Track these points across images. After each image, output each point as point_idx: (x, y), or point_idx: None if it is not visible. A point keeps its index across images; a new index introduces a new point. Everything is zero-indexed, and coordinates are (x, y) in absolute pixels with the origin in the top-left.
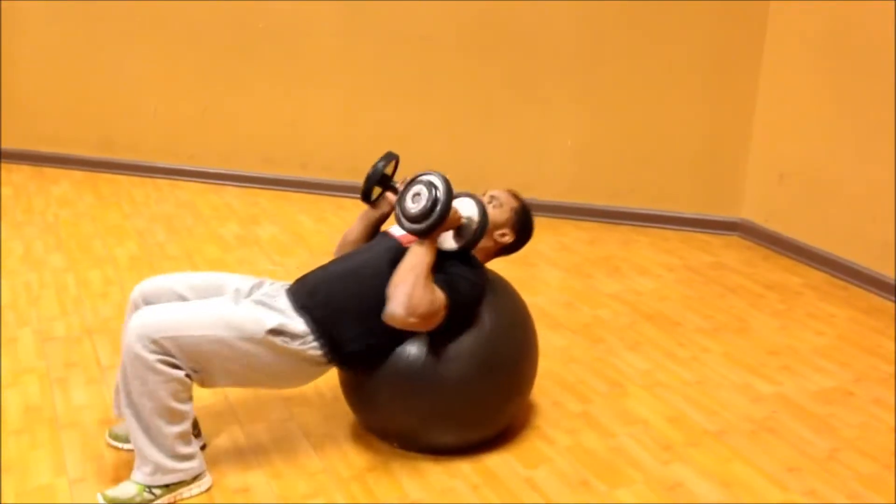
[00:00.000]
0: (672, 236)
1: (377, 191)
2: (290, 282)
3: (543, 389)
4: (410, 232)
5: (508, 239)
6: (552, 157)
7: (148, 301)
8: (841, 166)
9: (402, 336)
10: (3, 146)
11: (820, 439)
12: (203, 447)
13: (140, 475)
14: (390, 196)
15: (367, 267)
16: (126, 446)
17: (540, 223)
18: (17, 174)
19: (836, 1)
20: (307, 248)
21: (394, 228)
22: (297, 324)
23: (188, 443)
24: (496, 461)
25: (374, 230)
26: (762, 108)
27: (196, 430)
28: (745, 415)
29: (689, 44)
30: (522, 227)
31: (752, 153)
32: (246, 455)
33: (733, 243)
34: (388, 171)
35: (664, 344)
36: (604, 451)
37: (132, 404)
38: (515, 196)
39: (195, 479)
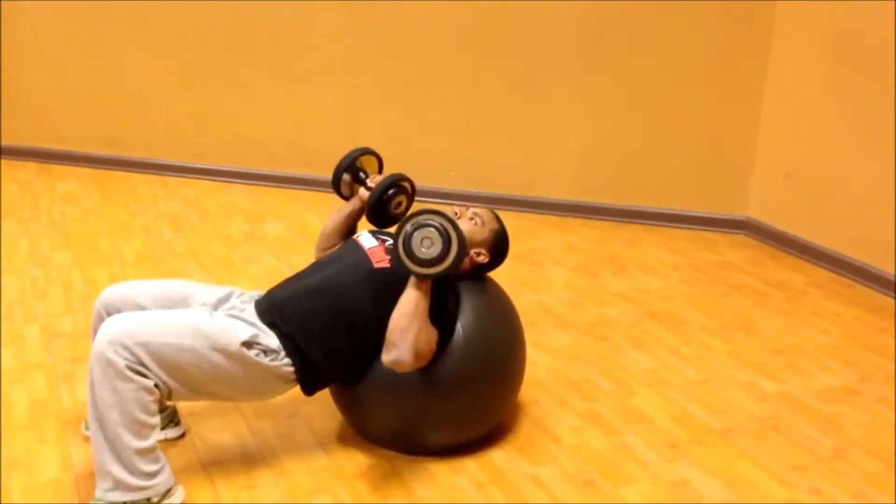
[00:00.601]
0: (678, 235)
1: (357, 188)
2: (259, 292)
3: (549, 387)
4: (418, 276)
5: (483, 259)
6: (557, 156)
7: (109, 310)
8: (847, 165)
9: (370, 355)
10: (10, 143)
11: (825, 438)
12: (182, 435)
13: (100, 491)
14: (362, 192)
15: (335, 285)
16: None
17: (546, 222)
18: (24, 171)
19: (843, 1)
20: (313, 246)
21: (363, 238)
22: (271, 339)
23: (154, 460)
24: (501, 459)
25: (349, 225)
26: (768, 106)
27: (176, 419)
28: (750, 413)
29: (696, 42)
30: (498, 249)
31: (758, 152)
32: (251, 452)
33: (739, 242)
34: (367, 165)
35: (670, 342)
36: (609, 449)
37: (99, 416)
38: (496, 218)
39: (164, 496)
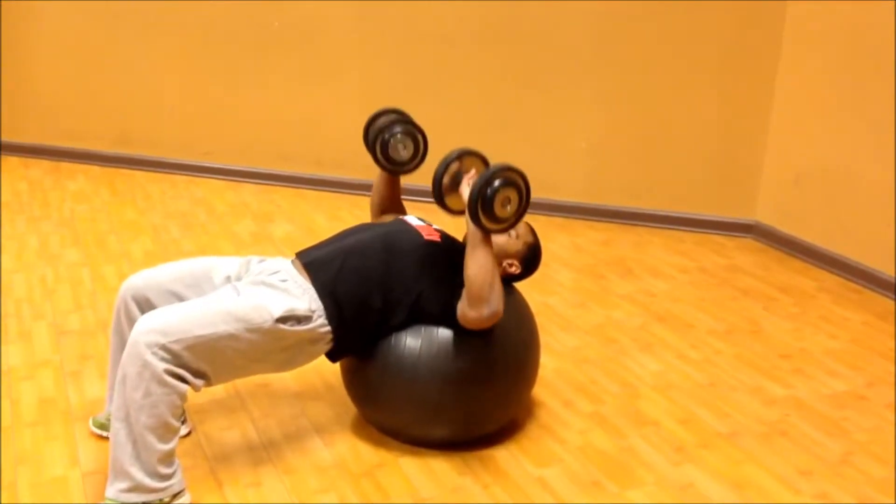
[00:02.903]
0: (686, 238)
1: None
2: (283, 257)
3: (555, 389)
4: (494, 232)
5: (515, 270)
6: (567, 157)
7: (137, 298)
8: (857, 169)
9: (388, 329)
10: (20, 141)
11: (832, 443)
12: (189, 433)
13: (113, 491)
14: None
15: (383, 245)
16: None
17: (554, 223)
18: (34, 169)
19: (854, 1)
20: None
21: (410, 218)
22: (302, 302)
23: (171, 463)
24: (507, 459)
25: (389, 186)
26: (778, 109)
27: (182, 417)
28: (757, 417)
29: (706, 44)
30: (530, 262)
31: (767, 155)
32: (257, 450)
33: (747, 245)
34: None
35: (676, 345)
36: (615, 451)
37: (126, 416)
38: (531, 230)
39: (174, 497)
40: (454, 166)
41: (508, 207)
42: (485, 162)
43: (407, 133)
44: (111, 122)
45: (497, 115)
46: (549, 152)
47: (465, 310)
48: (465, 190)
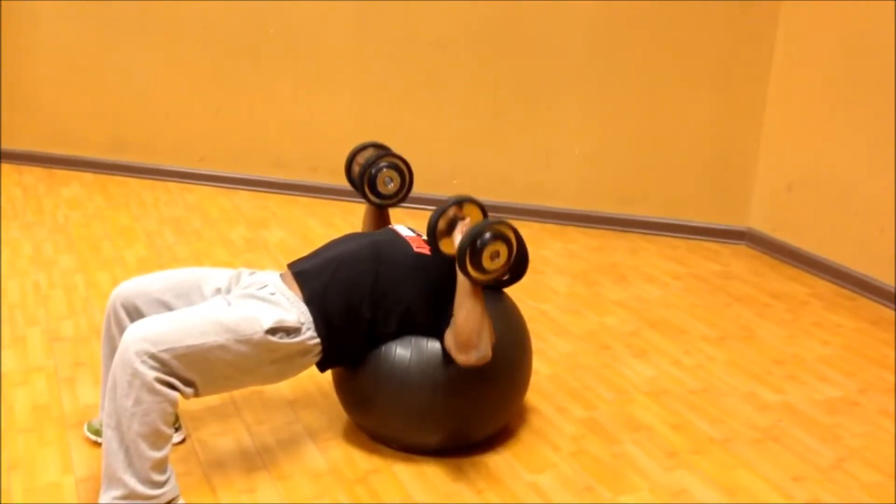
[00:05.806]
0: (679, 244)
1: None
2: (272, 271)
3: (548, 395)
4: (480, 283)
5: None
6: (561, 164)
7: (126, 306)
8: (850, 176)
9: (378, 339)
10: (14, 148)
11: (825, 448)
12: (183, 440)
13: (107, 499)
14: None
15: (374, 255)
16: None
17: (547, 230)
18: (28, 175)
19: (848, 6)
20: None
21: (399, 228)
22: (291, 314)
23: (164, 470)
24: (500, 465)
25: (376, 220)
26: (771, 116)
27: (177, 424)
28: (750, 423)
29: (699, 51)
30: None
31: (760, 162)
32: (251, 456)
33: (740, 252)
34: (368, 156)
35: (670, 351)
36: (608, 457)
37: (117, 424)
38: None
39: (169, 503)
40: (451, 211)
41: (497, 260)
42: (482, 210)
43: (392, 166)
44: (105, 129)
45: (491, 121)
46: (543, 159)
47: (454, 352)
48: (458, 238)
